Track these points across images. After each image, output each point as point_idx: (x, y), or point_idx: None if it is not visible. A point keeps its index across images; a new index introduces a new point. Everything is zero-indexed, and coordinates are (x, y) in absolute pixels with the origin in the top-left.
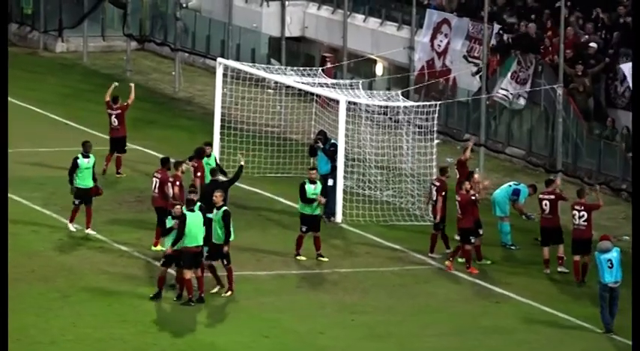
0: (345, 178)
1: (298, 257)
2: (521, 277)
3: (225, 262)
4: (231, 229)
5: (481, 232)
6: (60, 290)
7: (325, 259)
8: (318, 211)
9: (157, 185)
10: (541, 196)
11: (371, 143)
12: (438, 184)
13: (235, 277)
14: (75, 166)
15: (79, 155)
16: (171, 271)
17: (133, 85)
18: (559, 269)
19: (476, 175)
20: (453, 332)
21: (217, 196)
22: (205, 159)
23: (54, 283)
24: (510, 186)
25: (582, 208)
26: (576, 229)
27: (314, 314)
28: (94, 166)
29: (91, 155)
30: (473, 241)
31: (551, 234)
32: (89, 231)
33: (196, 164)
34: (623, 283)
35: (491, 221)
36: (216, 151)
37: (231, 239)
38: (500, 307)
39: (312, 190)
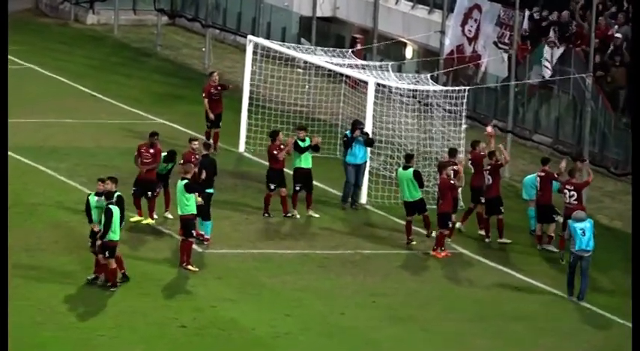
0: (371, 159)
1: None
2: (544, 263)
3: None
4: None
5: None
6: (82, 262)
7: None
8: None
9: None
10: (539, 173)
11: (399, 126)
12: (488, 168)
13: (258, 254)
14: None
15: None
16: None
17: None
18: (547, 247)
19: (458, 166)
20: (475, 318)
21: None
22: (300, 142)
23: (77, 255)
24: None
25: (572, 187)
26: (567, 208)
27: (336, 295)
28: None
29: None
30: (450, 225)
31: (544, 211)
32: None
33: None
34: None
35: (514, 207)
36: (243, 128)
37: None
38: (522, 293)
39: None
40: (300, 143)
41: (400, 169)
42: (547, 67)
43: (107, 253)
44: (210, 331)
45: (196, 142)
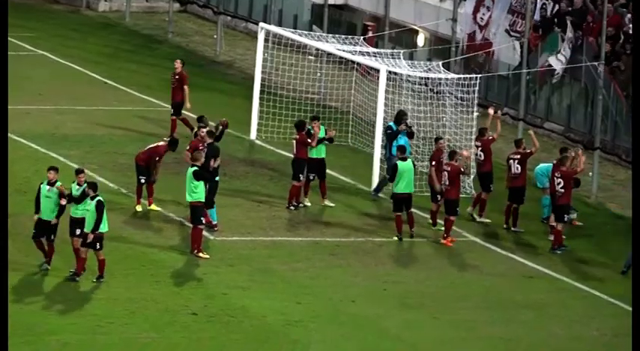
0: (382, 147)
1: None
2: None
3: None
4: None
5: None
6: None
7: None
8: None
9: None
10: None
11: (410, 114)
12: (517, 157)
13: (269, 242)
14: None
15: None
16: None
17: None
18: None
19: (464, 152)
20: (486, 306)
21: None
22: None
23: None
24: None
25: (560, 175)
26: (557, 196)
27: (346, 282)
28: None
29: None
30: (458, 212)
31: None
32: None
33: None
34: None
35: (527, 195)
36: (254, 115)
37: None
38: (533, 281)
39: None
40: None
41: (399, 161)
42: (561, 60)
43: (98, 245)
44: (221, 318)
45: (204, 130)
